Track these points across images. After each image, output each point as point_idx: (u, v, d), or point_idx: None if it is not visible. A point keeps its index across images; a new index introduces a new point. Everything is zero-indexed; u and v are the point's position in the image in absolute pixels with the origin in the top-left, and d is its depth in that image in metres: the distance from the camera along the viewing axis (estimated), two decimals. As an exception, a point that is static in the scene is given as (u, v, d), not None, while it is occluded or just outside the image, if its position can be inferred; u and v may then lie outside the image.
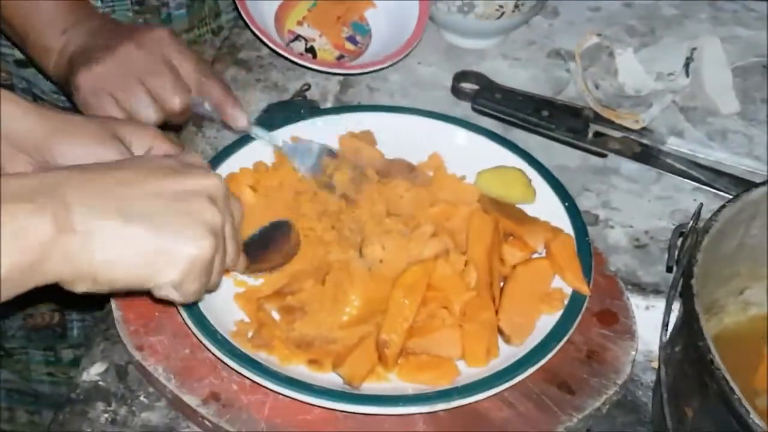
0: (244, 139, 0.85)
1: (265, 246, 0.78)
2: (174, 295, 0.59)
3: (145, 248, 0.56)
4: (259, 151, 0.85)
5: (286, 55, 0.98)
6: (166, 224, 0.56)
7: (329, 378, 0.69)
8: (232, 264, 0.64)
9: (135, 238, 0.55)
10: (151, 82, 0.81)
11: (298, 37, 1.02)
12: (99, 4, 0.96)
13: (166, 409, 0.71)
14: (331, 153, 0.85)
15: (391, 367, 0.70)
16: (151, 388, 0.72)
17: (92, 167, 0.58)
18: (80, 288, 0.55)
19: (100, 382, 0.73)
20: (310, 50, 1.02)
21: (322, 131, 0.87)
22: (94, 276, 0.55)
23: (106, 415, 0.71)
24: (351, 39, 1.03)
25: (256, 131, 0.85)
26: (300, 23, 1.03)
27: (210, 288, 0.62)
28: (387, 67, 1.00)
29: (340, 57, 1.02)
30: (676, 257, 0.66)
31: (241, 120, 0.84)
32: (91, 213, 0.54)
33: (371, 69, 0.99)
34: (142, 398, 0.72)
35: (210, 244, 0.58)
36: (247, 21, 0.97)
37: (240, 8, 0.97)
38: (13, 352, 1.20)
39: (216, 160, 0.83)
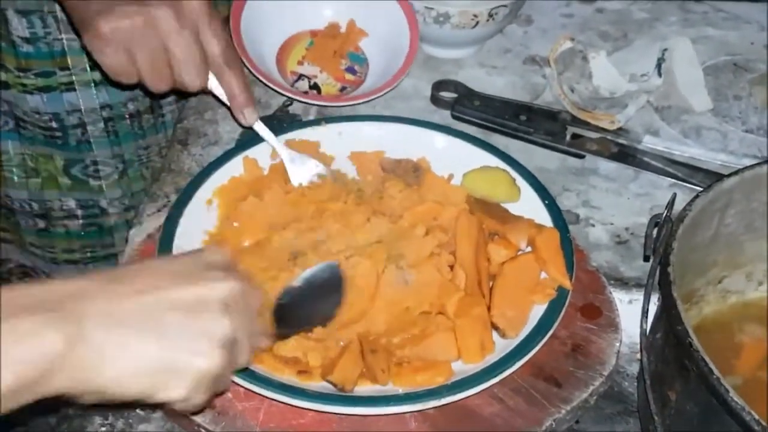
0: (229, 154, 0.87)
1: (303, 302, 0.73)
2: (181, 406, 0.59)
3: (153, 364, 0.56)
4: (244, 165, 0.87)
5: (294, 97, 0.99)
6: (177, 339, 0.56)
7: (320, 387, 0.70)
8: (246, 360, 0.63)
9: (146, 354, 0.55)
10: (176, 54, 0.79)
11: (301, 77, 1.04)
12: None
13: (162, 420, 0.72)
14: (323, 175, 0.87)
15: (384, 381, 0.70)
16: (146, 400, 0.74)
17: (110, 273, 0.58)
18: (87, 400, 0.55)
19: (96, 397, 0.74)
20: (314, 87, 1.04)
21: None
22: (103, 390, 0.55)
23: (104, 429, 0.72)
24: (350, 70, 1.06)
25: (261, 130, 0.87)
26: (300, 63, 1.05)
27: (220, 391, 0.62)
28: (390, 90, 1.00)
29: (343, 89, 1.04)
30: (652, 247, 0.68)
31: (250, 120, 0.86)
32: (104, 327, 0.54)
33: (376, 95, 0.99)
34: (138, 410, 0.73)
35: (219, 359, 0.58)
36: (252, 70, 0.97)
37: (242, 57, 0.97)
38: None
39: (203, 175, 0.85)
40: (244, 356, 0.62)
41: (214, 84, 0.85)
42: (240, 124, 0.90)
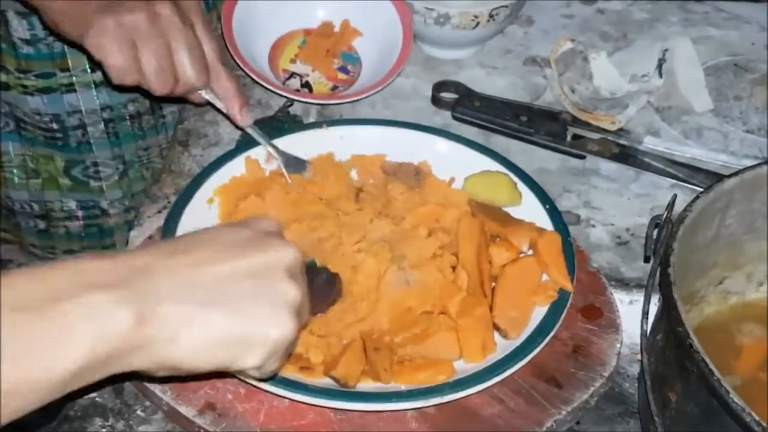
0: (230, 154, 0.87)
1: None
2: (254, 374, 0.58)
3: (229, 336, 0.55)
4: (244, 165, 0.87)
5: (284, 94, 0.99)
6: (250, 309, 0.55)
7: (322, 383, 0.70)
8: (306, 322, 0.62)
9: (220, 326, 0.54)
10: (180, 49, 0.79)
11: (292, 75, 1.04)
12: None
13: (163, 421, 0.72)
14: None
15: (387, 379, 0.70)
16: (147, 401, 0.73)
17: (170, 246, 0.57)
18: (159, 374, 0.55)
19: (97, 399, 0.74)
20: (306, 85, 1.03)
21: (306, 144, 0.89)
22: (177, 365, 0.54)
23: (104, 431, 0.72)
24: (342, 69, 1.05)
25: (256, 133, 0.87)
26: (293, 61, 1.05)
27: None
28: (380, 90, 1.01)
29: (335, 87, 1.03)
30: (653, 247, 0.68)
31: (245, 120, 0.88)
32: (175, 302, 0.53)
33: (364, 95, 1.00)
34: (138, 412, 0.73)
35: (293, 325, 0.57)
36: (243, 67, 0.98)
37: (233, 55, 0.98)
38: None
39: (203, 175, 0.85)
40: (306, 319, 0.61)
41: (206, 88, 0.86)
42: (236, 126, 0.90)
